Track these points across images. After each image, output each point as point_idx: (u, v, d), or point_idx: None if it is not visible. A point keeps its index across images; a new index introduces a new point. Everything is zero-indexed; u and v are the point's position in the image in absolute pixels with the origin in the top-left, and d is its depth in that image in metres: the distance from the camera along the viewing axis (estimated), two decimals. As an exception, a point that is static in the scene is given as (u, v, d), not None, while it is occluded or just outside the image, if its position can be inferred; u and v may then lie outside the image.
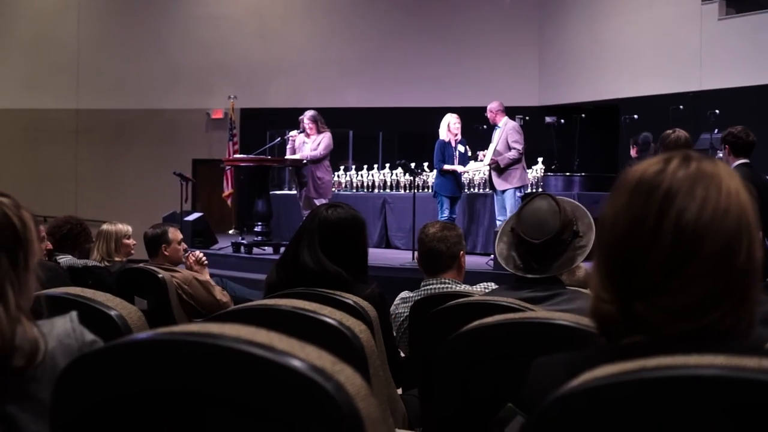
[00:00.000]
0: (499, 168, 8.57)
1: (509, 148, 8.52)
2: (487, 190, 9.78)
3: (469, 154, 9.28)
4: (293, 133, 9.50)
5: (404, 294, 3.49)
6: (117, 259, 5.06)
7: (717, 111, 9.30)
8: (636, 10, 11.99)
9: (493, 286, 3.31)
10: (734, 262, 1.09)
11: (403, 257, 8.87)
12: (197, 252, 4.93)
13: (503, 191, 8.54)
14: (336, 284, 2.69)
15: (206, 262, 4.89)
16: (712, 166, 1.14)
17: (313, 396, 0.96)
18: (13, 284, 1.42)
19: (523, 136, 8.63)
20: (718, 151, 7.26)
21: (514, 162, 8.53)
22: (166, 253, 4.71)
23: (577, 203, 2.78)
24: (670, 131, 5.41)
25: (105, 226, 5.20)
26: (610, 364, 0.93)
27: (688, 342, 1.06)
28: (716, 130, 8.83)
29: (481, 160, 9.17)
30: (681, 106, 10.08)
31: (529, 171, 9.45)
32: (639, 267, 1.10)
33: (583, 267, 4.33)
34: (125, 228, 5.16)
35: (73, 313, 1.51)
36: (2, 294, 1.40)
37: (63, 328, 1.47)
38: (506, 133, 8.60)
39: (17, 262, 1.44)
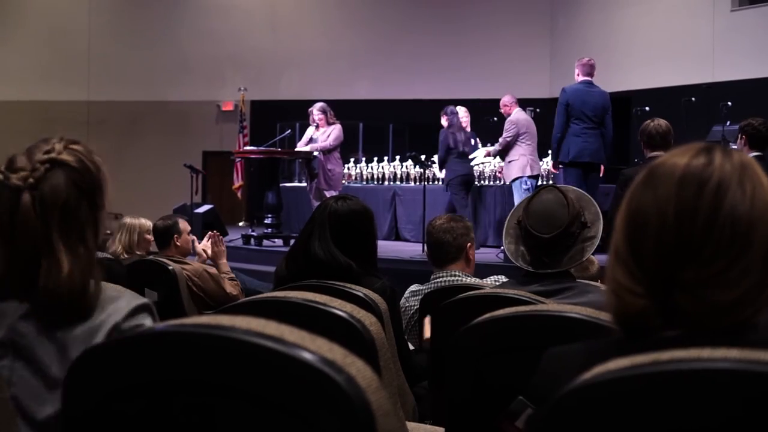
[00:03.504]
0: (501, 159, 8.59)
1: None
2: (498, 182, 9.76)
3: (479, 146, 9.26)
4: (310, 131, 9.48)
5: (414, 287, 3.49)
6: (138, 252, 4.97)
7: (729, 103, 9.25)
8: (648, 1, 11.93)
9: (503, 278, 3.30)
10: None
11: (412, 249, 8.87)
12: (215, 231, 4.95)
13: (512, 182, 8.51)
14: (346, 276, 2.69)
15: (224, 246, 4.92)
16: (748, 159, 1.16)
17: (324, 388, 0.96)
18: (92, 227, 1.55)
19: (516, 130, 8.39)
20: (731, 143, 7.22)
21: (505, 152, 8.41)
22: (178, 243, 4.72)
23: (582, 192, 2.73)
24: (648, 121, 5.41)
25: (128, 219, 5.09)
26: (625, 357, 0.92)
27: (714, 335, 1.05)
28: (728, 122, 8.79)
29: (487, 155, 9.18)
30: (693, 98, 10.01)
31: (541, 163, 9.39)
32: (691, 259, 1.09)
33: (596, 262, 4.32)
34: (147, 223, 5.10)
35: (148, 302, 1.58)
36: (83, 237, 1.52)
37: (125, 308, 1.54)
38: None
39: (95, 205, 1.56)
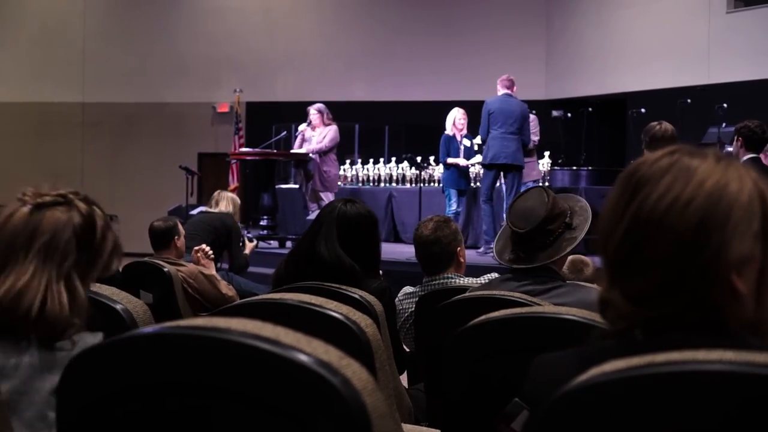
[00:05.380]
0: None
1: None
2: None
3: (475, 148, 9.29)
4: (302, 127, 9.51)
5: (408, 289, 3.48)
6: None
7: (725, 105, 9.27)
8: (644, 3, 11.95)
9: (496, 276, 3.31)
10: (697, 255, 1.05)
11: (408, 251, 8.86)
12: (204, 246, 4.94)
13: (524, 183, 8.55)
14: (349, 278, 2.69)
15: (212, 255, 4.90)
16: (698, 160, 1.10)
17: (320, 390, 0.96)
18: (81, 272, 1.62)
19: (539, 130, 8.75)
20: (726, 145, 7.24)
21: (528, 153, 8.57)
22: (178, 244, 4.72)
23: (578, 198, 2.80)
24: (656, 123, 5.41)
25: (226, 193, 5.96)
26: (619, 359, 0.92)
27: (702, 336, 1.05)
28: (724, 124, 8.81)
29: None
30: (689, 100, 10.04)
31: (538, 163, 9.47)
32: (606, 253, 1.14)
33: (591, 264, 4.33)
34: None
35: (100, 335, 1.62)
36: (64, 273, 1.59)
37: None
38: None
39: (89, 260, 1.64)
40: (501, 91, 8.25)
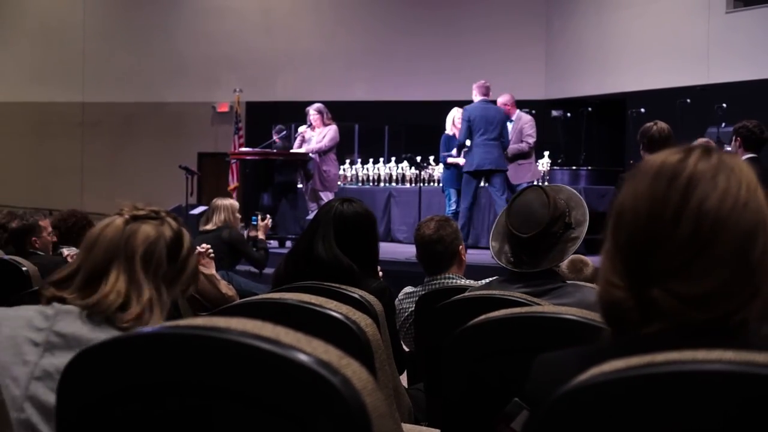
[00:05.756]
0: (512, 160, 8.61)
1: (521, 141, 8.59)
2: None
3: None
4: (302, 129, 9.52)
5: (408, 289, 3.48)
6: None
7: (724, 105, 9.27)
8: (643, 3, 11.94)
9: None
10: (750, 255, 1.09)
11: (408, 251, 8.86)
12: (204, 245, 4.93)
13: (517, 185, 8.54)
14: (347, 278, 2.69)
15: (213, 255, 4.89)
16: (732, 158, 1.16)
17: (320, 390, 0.96)
18: (167, 284, 1.76)
19: (536, 131, 8.71)
20: (725, 145, 7.24)
21: (523, 155, 8.55)
22: None
23: (574, 192, 2.72)
24: (651, 124, 5.38)
25: (219, 201, 6.19)
26: (622, 359, 0.92)
27: (704, 336, 1.06)
28: (723, 124, 8.81)
29: None
30: (688, 100, 10.04)
31: (537, 164, 9.46)
32: (658, 252, 1.11)
33: (591, 264, 4.32)
34: (236, 203, 5.89)
35: None
36: (156, 284, 1.73)
37: None
38: (521, 125, 8.65)
39: (174, 275, 1.78)
40: (478, 97, 8.29)
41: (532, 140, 8.61)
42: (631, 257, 1.14)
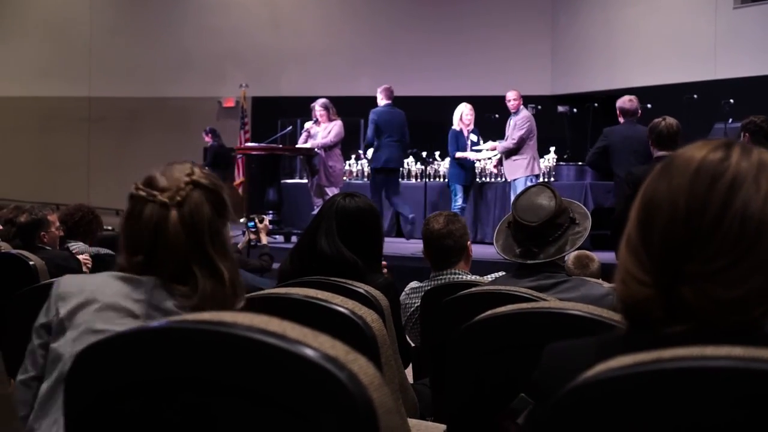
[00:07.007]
0: (507, 156, 8.61)
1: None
2: (499, 179, 9.75)
3: (481, 143, 9.27)
4: (308, 124, 9.53)
5: (414, 284, 3.48)
6: None
7: (731, 100, 9.24)
8: (650, -1, 11.91)
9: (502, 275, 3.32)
10: None
11: (413, 246, 8.86)
12: None
13: (513, 180, 8.54)
14: (352, 273, 2.69)
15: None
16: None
17: (327, 385, 0.95)
18: (229, 243, 1.75)
19: (530, 127, 8.59)
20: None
21: (512, 152, 8.53)
22: None
23: (570, 200, 2.87)
24: (659, 119, 5.36)
25: None
26: (629, 354, 0.92)
27: (728, 338, 1.05)
28: (730, 120, 8.78)
29: (493, 149, 9.18)
30: (695, 96, 10.00)
31: (542, 160, 9.42)
32: (695, 252, 1.08)
33: (597, 260, 4.33)
34: None
35: None
36: (226, 252, 1.72)
37: None
38: (515, 121, 8.64)
39: (225, 224, 1.75)
40: (383, 101, 9.14)
41: (518, 134, 8.52)
42: (664, 254, 1.10)
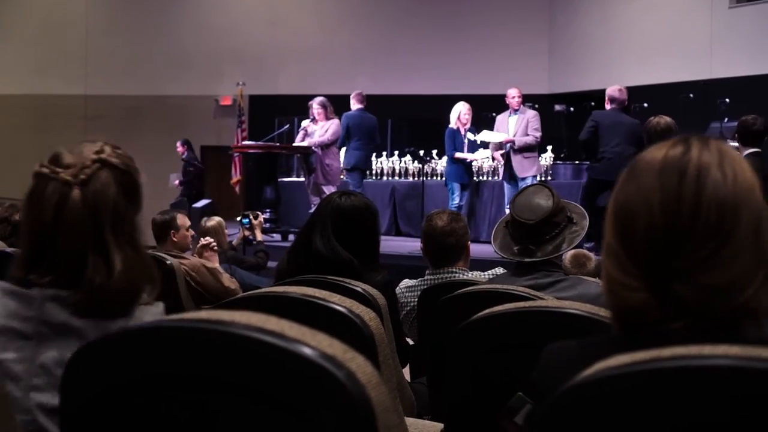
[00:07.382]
0: (519, 153, 8.61)
1: (527, 134, 8.63)
2: (496, 178, 9.75)
3: (478, 142, 9.27)
4: (305, 123, 9.54)
5: (408, 282, 3.47)
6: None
7: (727, 99, 9.26)
8: (647, -2, 11.92)
9: (501, 270, 3.33)
10: (763, 236, 1.11)
11: (411, 245, 8.86)
12: (207, 238, 4.94)
13: (523, 178, 8.54)
14: (348, 272, 2.68)
15: (216, 248, 4.90)
16: (725, 145, 1.17)
17: (325, 384, 0.95)
18: (137, 229, 1.58)
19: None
20: (728, 140, 7.24)
21: (530, 148, 8.61)
22: (174, 239, 4.71)
23: (567, 200, 2.92)
24: (654, 118, 5.43)
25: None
26: (626, 353, 0.92)
27: (724, 331, 1.06)
28: (726, 119, 8.80)
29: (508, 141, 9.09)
30: (691, 95, 10.02)
31: (539, 159, 9.46)
32: (680, 247, 1.09)
33: (593, 259, 4.33)
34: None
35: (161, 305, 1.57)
36: (133, 239, 1.55)
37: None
38: (527, 119, 8.68)
39: (136, 208, 1.61)
40: (356, 106, 9.45)
41: (539, 134, 8.67)
42: (650, 256, 1.11)
